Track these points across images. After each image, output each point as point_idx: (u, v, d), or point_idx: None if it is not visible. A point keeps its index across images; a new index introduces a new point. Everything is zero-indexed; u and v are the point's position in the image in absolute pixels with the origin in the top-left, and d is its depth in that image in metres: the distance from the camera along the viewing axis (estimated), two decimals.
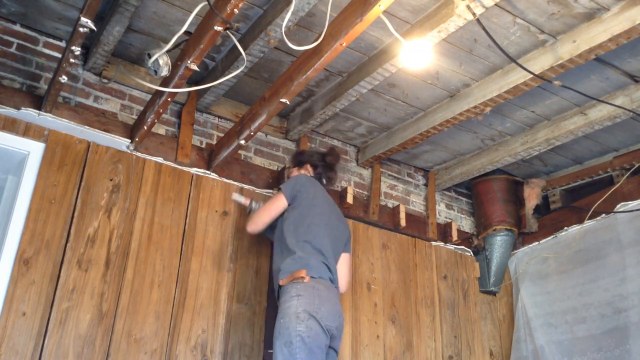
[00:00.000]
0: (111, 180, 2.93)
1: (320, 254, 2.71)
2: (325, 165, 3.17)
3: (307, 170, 3.13)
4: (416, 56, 2.69)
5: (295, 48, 2.45)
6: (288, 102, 2.71)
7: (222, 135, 3.40)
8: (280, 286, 2.64)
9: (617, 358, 3.34)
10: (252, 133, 2.92)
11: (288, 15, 2.50)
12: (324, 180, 3.16)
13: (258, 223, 2.90)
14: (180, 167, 3.17)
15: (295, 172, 3.15)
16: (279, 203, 2.88)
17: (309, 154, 3.24)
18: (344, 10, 2.37)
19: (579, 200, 3.94)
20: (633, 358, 3.26)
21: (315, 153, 3.26)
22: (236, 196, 3.19)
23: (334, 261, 2.82)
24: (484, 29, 2.62)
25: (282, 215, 2.90)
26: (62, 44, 3.09)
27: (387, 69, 2.95)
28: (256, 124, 2.88)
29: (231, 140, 3.08)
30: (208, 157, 3.30)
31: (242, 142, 2.97)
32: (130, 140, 3.06)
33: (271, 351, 2.99)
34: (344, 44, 2.38)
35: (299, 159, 3.20)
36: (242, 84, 3.32)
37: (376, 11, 2.21)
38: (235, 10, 2.20)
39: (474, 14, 2.49)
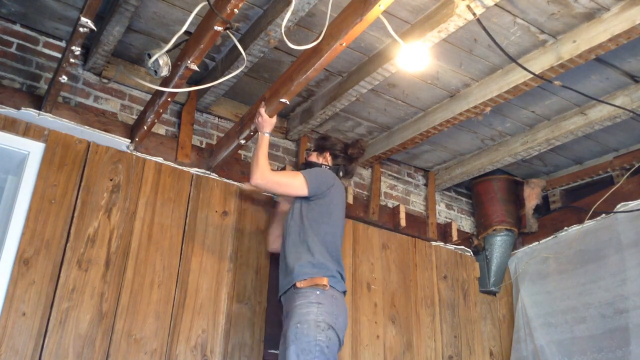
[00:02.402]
0: (111, 180, 2.93)
1: (337, 263, 2.64)
2: (346, 157, 3.06)
3: (326, 159, 3.03)
4: (413, 59, 2.68)
5: (295, 48, 2.45)
6: (288, 102, 2.71)
7: (222, 135, 3.40)
8: (295, 286, 2.55)
9: (618, 359, 3.34)
10: (251, 133, 2.92)
11: (287, 15, 2.49)
12: (341, 173, 3.04)
13: (266, 185, 2.71)
14: (180, 167, 3.17)
15: (314, 156, 3.06)
16: (299, 189, 2.73)
17: (332, 142, 3.09)
18: (344, 10, 2.36)
19: (579, 200, 3.94)
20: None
21: (340, 142, 3.12)
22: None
23: (342, 267, 2.74)
24: (484, 29, 2.62)
25: (294, 201, 2.82)
26: (62, 44, 3.09)
27: (387, 69, 2.95)
28: None
29: (231, 141, 3.08)
30: (208, 157, 3.30)
31: (242, 142, 2.97)
32: (130, 140, 3.06)
33: (271, 351, 3.00)
34: (343, 44, 2.37)
35: (322, 144, 3.08)
36: (242, 84, 3.32)
37: (376, 11, 2.20)
38: (235, 10, 2.20)
39: (474, 14, 2.49)
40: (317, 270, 2.55)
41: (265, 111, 2.78)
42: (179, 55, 2.61)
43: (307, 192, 2.73)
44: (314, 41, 2.46)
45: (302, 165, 3.16)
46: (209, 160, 3.28)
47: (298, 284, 2.53)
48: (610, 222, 3.62)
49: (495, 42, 2.68)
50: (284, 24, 2.51)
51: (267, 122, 2.78)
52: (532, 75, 2.87)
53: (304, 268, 2.56)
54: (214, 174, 3.26)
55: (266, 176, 2.69)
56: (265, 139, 2.78)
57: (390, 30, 2.57)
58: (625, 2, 2.57)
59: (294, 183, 2.74)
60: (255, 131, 2.88)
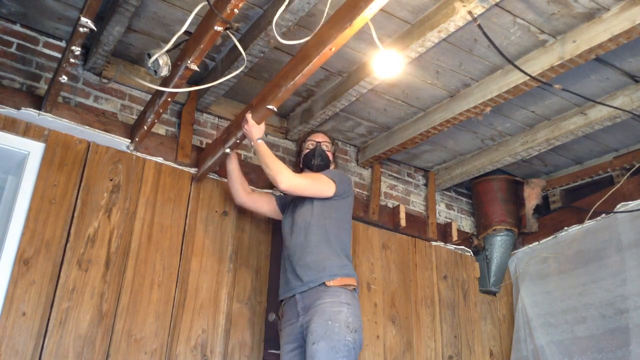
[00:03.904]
0: (111, 180, 2.93)
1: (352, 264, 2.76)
2: (312, 155, 3.09)
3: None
4: (388, 66, 2.67)
5: (286, 43, 2.43)
6: (275, 109, 2.63)
7: None
8: (324, 284, 2.57)
9: (618, 359, 3.34)
10: (238, 141, 2.84)
11: (280, 12, 2.44)
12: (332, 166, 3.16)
13: (296, 188, 2.71)
14: (180, 167, 3.17)
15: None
16: (326, 190, 2.77)
17: (295, 163, 3.27)
18: (334, 15, 2.26)
19: (579, 200, 3.94)
20: None
21: (297, 161, 3.25)
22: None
23: None
24: (482, 30, 2.62)
25: (313, 201, 2.81)
26: (62, 44, 3.09)
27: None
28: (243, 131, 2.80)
29: (217, 149, 3.00)
30: (195, 163, 3.25)
31: (228, 150, 2.90)
32: (130, 140, 3.06)
33: (271, 351, 3.00)
34: (332, 49, 2.27)
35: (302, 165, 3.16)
36: (242, 84, 3.32)
37: (365, 17, 2.12)
38: (235, 10, 2.19)
39: (474, 18, 2.48)
40: (346, 272, 2.62)
41: (252, 118, 2.71)
42: (179, 55, 2.60)
43: (334, 192, 2.79)
44: (306, 40, 2.39)
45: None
46: (196, 166, 3.21)
47: (328, 282, 2.56)
48: (610, 222, 3.62)
49: (493, 44, 2.68)
50: (274, 20, 2.47)
51: (255, 128, 2.71)
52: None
53: (334, 268, 2.60)
54: (214, 174, 3.26)
55: (293, 180, 2.70)
56: (261, 145, 2.75)
57: (375, 37, 2.52)
58: (625, 2, 2.57)
59: (321, 185, 2.78)
60: (243, 138, 2.80)
